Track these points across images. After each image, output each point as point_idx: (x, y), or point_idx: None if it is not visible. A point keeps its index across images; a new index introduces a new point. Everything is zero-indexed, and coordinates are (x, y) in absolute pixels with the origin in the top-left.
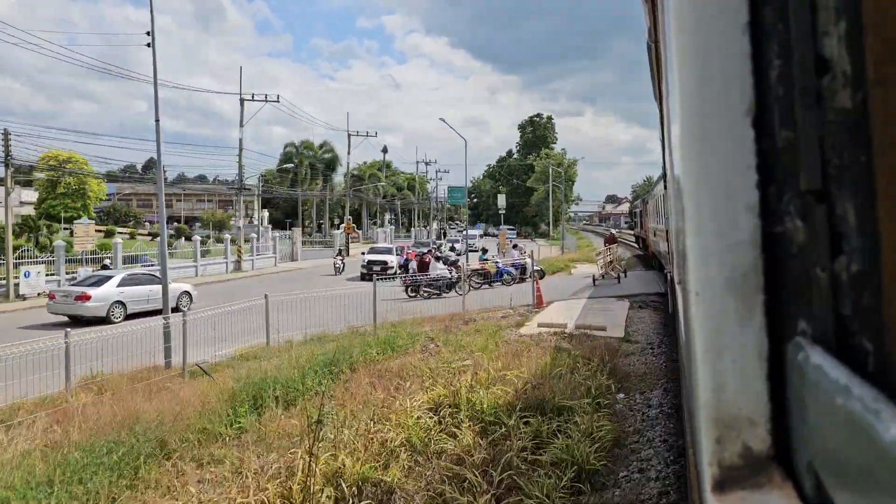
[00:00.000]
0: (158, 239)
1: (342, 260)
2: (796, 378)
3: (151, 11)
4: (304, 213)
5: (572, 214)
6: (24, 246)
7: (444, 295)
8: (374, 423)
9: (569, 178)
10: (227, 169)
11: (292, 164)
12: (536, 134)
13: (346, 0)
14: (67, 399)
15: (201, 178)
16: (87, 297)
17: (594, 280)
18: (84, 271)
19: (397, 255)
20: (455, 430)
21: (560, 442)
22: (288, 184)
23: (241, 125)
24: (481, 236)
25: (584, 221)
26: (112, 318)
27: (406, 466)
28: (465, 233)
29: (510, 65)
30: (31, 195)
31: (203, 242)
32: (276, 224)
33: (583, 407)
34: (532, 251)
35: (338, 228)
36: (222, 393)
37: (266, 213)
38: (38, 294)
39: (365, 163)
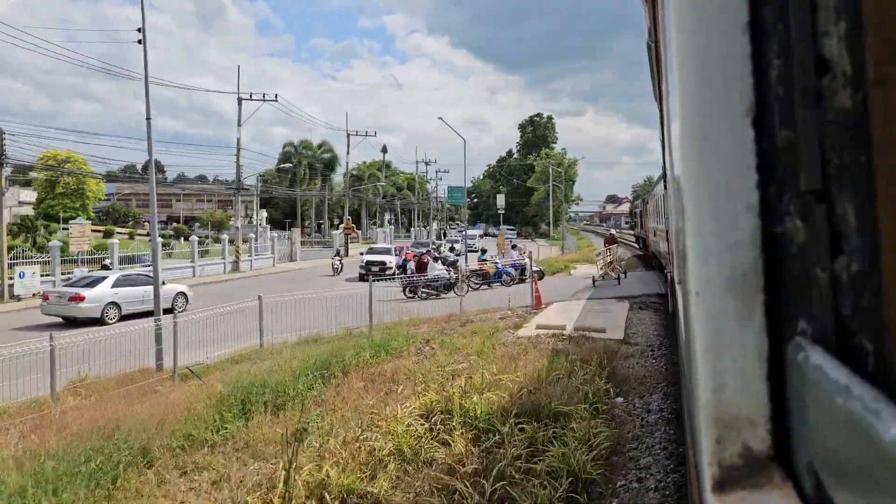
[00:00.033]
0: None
1: (340, 260)
2: (796, 378)
3: (143, 9)
4: (303, 213)
5: (573, 214)
6: (21, 246)
7: (443, 296)
8: (363, 430)
9: (569, 177)
10: (227, 169)
11: (290, 164)
12: (536, 134)
13: (346, 0)
14: (51, 403)
15: (202, 178)
16: (81, 298)
17: (594, 281)
18: (79, 272)
19: (396, 255)
20: (447, 437)
21: (556, 450)
22: (287, 184)
23: (239, 124)
24: (481, 236)
25: (585, 221)
26: (106, 319)
27: (394, 477)
28: (464, 233)
29: (511, 64)
30: (29, 195)
31: (201, 243)
32: (276, 224)
33: (580, 412)
34: (530, 251)
35: (337, 229)
36: (210, 397)
37: (265, 214)
38: (34, 295)
39: (364, 163)
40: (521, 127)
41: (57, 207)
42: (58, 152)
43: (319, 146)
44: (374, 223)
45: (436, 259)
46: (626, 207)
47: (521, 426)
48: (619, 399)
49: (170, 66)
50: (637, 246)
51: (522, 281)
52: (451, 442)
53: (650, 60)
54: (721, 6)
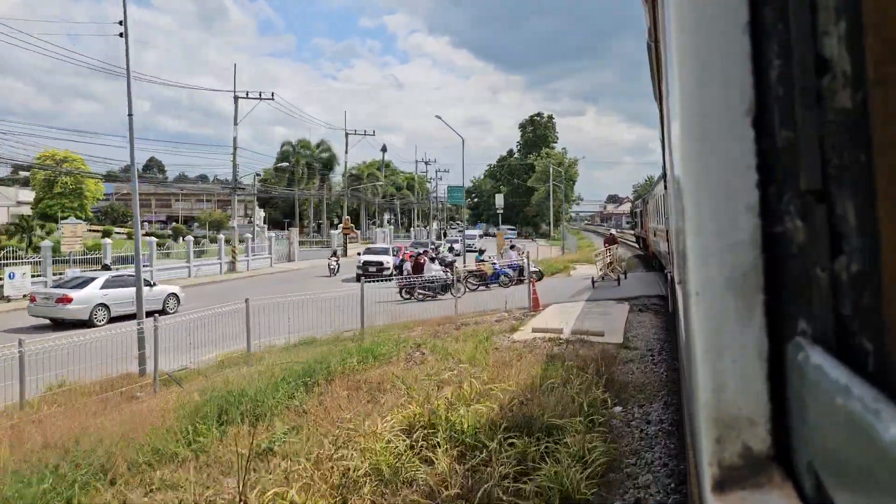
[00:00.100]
0: (147, 239)
1: (337, 261)
2: (796, 378)
3: (124, 3)
4: (302, 212)
5: (573, 214)
6: (14, 246)
7: (440, 297)
8: (337, 448)
9: (569, 177)
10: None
11: (288, 164)
12: (537, 133)
13: (347, 0)
14: (22, 413)
15: (202, 178)
16: (69, 300)
17: (593, 282)
18: (71, 272)
19: (394, 255)
20: (430, 454)
21: (547, 468)
22: (285, 183)
23: (235, 123)
24: (481, 236)
25: (586, 221)
26: (95, 321)
27: (369, 501)
28: (463, 233)
29: (512, 64)
30: (28, 195)
31: (198, 243)
32: (275, 224)
33: (574, 426)
34: (528, 252)
35: (336, 228)
36: (184, 407)
37: (263, 213)
38: (24, 296)
39: (364, 162)
40: (522, 126)
41: (55, 207)
42: (56, 152)
43: (318, 145)
44: (374, 223)
45: (433, 260)
46: (626, 207)
47: (511, 441)
48: (618, 408)
49: (171, 66)
50: (637, 246)
51: (521, 282)
52: (434, 459)
53: (650, 60)
54: (721, 6)
